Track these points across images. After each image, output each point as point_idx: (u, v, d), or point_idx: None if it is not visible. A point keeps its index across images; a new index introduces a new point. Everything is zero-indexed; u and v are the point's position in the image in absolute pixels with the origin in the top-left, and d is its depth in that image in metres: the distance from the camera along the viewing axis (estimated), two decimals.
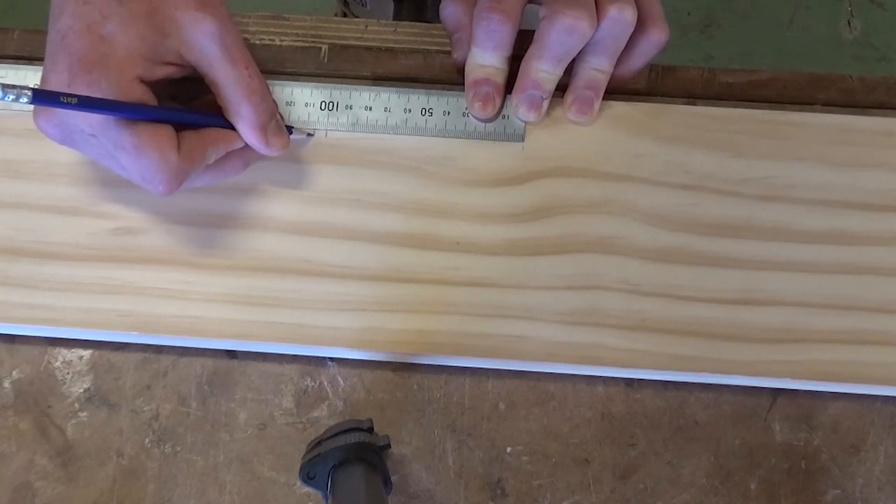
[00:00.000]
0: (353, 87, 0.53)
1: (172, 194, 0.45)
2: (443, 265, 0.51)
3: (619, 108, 0.53)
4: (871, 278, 0.51)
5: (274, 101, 0.49)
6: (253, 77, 0.46)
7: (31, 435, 0.51)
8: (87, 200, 0.52)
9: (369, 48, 0.56)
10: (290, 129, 0.51)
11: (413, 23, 0.57)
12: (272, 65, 0.55)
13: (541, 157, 0.53)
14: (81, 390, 0.52)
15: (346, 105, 0.53)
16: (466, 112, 0.52)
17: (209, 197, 0.52)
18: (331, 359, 0.52)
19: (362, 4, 0.95)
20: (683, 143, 0.53)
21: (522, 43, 0.50)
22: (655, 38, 0.50)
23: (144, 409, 0.52)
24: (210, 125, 0.47)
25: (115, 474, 0.51)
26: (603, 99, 0.52)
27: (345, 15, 0.99)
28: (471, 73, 0.51)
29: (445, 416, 0.52)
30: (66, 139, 0.45)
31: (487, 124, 0.52)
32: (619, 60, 0.51)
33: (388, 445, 0.47)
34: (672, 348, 0.50)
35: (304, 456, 0.47)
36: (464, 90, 0.52)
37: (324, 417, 0.52)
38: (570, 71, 0.51)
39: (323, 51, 0.55)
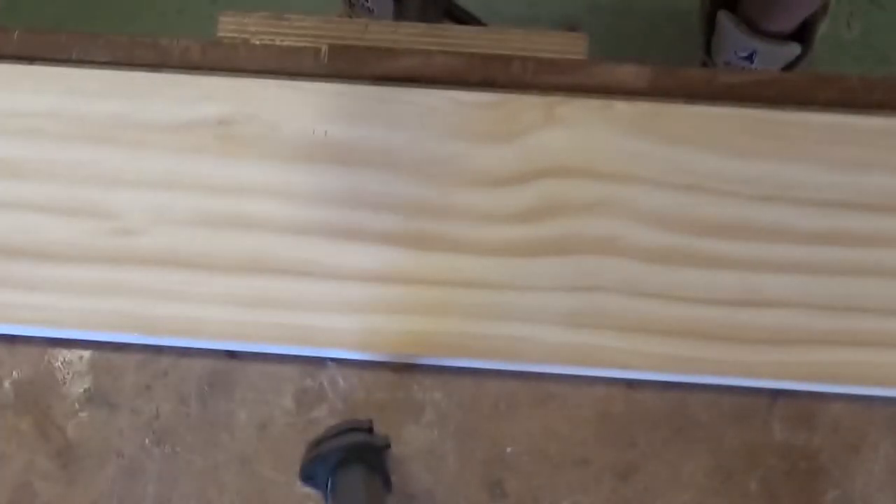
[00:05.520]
0: None
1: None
2: (443, 266, 0.51)
3: (619, 107, 0.53)
4: (871, 279, 0.51)
5: None
6: None
7: (31, 435, 0.51)
8: (87, 200, 0.52)
9: (369, 48, 0.56)
10: None
11: (413, 23, 0.57)
12: (272, 65, 0.55)
13: (541, 157, 0.52)
14: (81, 390, 0.52)
15: None
16: None
17: (209, 197, 0.52)
18: (331, 359, 0.52)
19: (369, 10, 0.96)
20: (683, 143, 0.53)
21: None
22: None
23: (144, 409, 0.52)
24: None
25: (115, 474, 0.51)
26: (603, 99, 0.52)
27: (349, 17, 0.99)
28: None
29: (445, 416, 0.51)
30: None
31: None
32: None
33: (388, 446, 0.47)
34: (672, 349, 0.50)
35: (304, 456, 0.47)
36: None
37: (324, 417, 0.51)
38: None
39: (323, 51, 0.55)
